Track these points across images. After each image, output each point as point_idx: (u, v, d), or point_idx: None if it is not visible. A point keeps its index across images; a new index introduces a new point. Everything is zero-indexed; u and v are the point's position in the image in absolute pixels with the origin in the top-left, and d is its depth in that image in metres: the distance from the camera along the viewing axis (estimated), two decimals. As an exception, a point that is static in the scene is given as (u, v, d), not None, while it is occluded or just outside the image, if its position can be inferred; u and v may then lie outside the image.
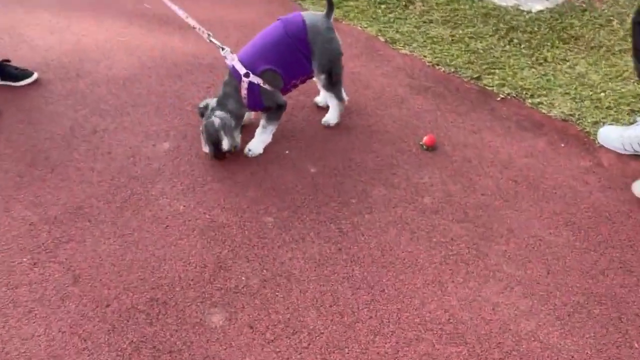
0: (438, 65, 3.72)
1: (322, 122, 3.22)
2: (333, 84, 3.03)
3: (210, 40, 2.84)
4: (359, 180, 2.86)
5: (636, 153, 2.94)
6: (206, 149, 2.90)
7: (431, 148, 3.02)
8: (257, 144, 3.01)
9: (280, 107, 2.92)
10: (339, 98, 3.11)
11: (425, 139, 3.03)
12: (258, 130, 2.99)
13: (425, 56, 3.81)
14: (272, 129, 2.99)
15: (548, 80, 3.50)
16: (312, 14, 2.92)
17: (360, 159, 2.99)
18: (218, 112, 2.84)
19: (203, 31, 2.86)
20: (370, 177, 2.88)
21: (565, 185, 2.80)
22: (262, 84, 2.82)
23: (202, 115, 2.92)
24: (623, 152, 2.96)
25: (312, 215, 2.67)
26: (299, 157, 3.02)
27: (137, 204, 2.75)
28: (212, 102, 2.90)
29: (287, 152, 3.06)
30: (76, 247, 2.53)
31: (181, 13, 2.89)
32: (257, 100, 2.86)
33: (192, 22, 2.88)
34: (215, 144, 2.84)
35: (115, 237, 2.57)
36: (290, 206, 2.72)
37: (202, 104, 2.93)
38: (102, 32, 4.16)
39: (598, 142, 3.05)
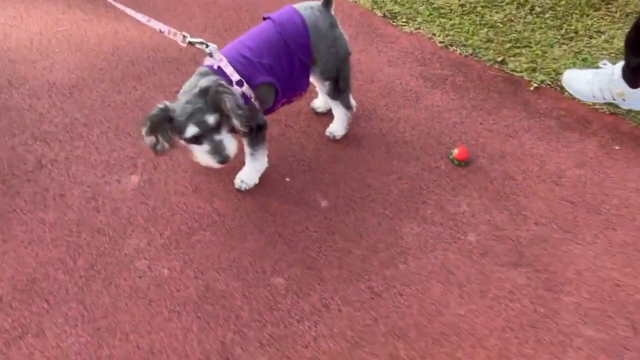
0: (452, 46, 3.12)
1: (327, 134, 2.62)
2: (340, 91, 2.42)
3: (189, 43, 2.15)
4: (383, 215, 2.31)
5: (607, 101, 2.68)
6: (214, 159, 2.04)
7: (464, 163, 2.48)
8: (249, 174, 2.41)
9: (261, 128, 2.28)
10: (347, 106, 2.50)
11: (456, 152, 2.48)
12: (248, 160, 2.37)
13: (434, 35, 3.19)
14: (262, 152, 2.37)
15: (584, 60, 2.96)
16: (309, 8, 2.25)
17: (379, 183, 2.43)
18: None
19: (175, 33, 2.17)
20: (396, 209, 2.33)
21: (632, 204, 2.32)
22: (253, 99, 2.17)
23: (160, 122, 1.99)
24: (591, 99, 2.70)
25: (332, 270, 2.13)
26: (304, 185, 2.43)
27: (108, 271, 2.14)
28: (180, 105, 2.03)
29: (287, 179, 2.46)
30: (33, 343, 1.93)
31: (140, 17, 2.18)
32: None
33: (157, 25, 2.18)
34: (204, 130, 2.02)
35: (84, 324, 1.99)
36: (303, 259, 2.17)
37: (161, 105, 2.00)
38: (34, 21, 3.36)
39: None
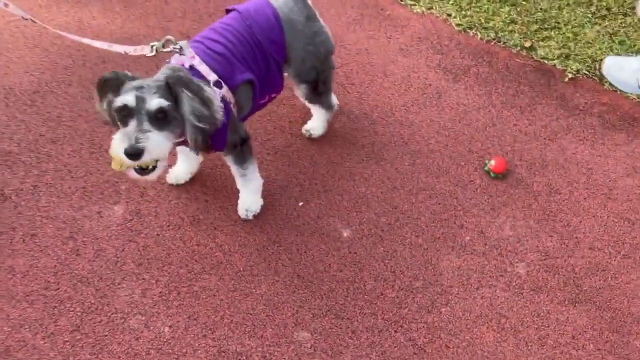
0: (471, 29, 2.74)
1: (303, 132, 2.27)
2: (319, 94, 2.06)
3: (162, 49, 1.74)
4: (415, 245, 1.99)
5: None
6: (122, 146, 1.52)
7: (501, 175, 2.16)
8: (251, 199, 2.05)
9: (245, 141, 1.90)
10: (328, 107, 2.17)
11: (492, 163, 2.16)
12: (241, 183, 1.99)
13: (450, 15, 2.81)
14: (253, 168, 1.99)
15: (621, 43, 2.63)
16: None
17: (407, 204, 2.10)
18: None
19: (142, 48, 1.76)
20: (430, 237, 2.01)
21: (695, 219, 2.05)
22: (232, 106, 1.79)
23: (108, 85, 1.59)
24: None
25: (365, 320, 1.82)
26: (320, 211, 2.09)
27: (97, 333, 1.79)
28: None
29: (300, 204, 2.11)
30: None
31: (100, 44, 1.78)
32: (223, 134, 1.79)
33: (120, 48, 1.77)
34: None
35: (74, 406, 1.65)
36: (329, 306, 1.85)
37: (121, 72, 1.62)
38: (-18, 11, 2.84)
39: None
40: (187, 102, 1.55)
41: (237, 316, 1.82)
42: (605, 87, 2.48)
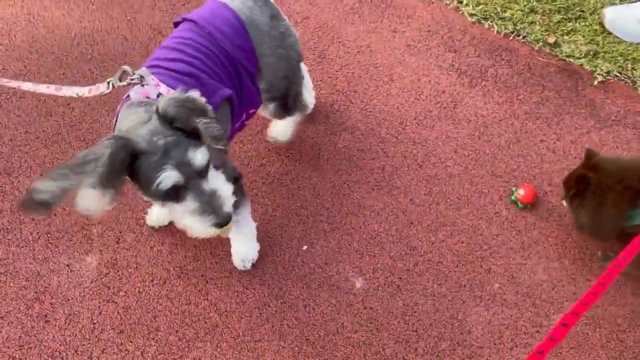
0: (486, 20, 2.41)
1: (269, 139, 2.00)
2: (289, 109, 1.80)
3: (120, 83, 1.38)
4: (439, 295, 1.75)
5: None
6: (208, 222, 1.25)
7: (530, 205, 1.91)
8: (246, 246, 1.76)
9: (237, 180, 1.56)
10: (299, 111, 1.93)
11: (521, 193, 1.90)
12: (234, 230, 1.67)
13: (461, 3, 2.46)
14: (247, 210, 1.69)
15: (654, 37, 2.33)
16: None
17: (426, 244, 1.84)
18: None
19: (98, 87, 1.41)
20: (454, 285, 1.77)
21: None
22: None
23: (119, 162, 1.17)
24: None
25: (388, 393, 1.59)
26: (327, 256, 1.81)
27: None
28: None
29: (304, 247, 1.83)
30: None
31: (45, 88, 1.43)
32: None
33: (70, 91, 1.42)
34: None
35: None
36: (346, 378, 1.61)
37: (117, 133, 1.26)
38: None
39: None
40: (205, 130, 1.21)
41: (239, 395, 1.58)
42: (639, 91, 2.20)
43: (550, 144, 2.07)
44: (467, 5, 2.44)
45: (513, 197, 1.92)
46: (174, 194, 1.20)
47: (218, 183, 1.26)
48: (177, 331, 1.67)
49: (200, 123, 1.20)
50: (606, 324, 1.71)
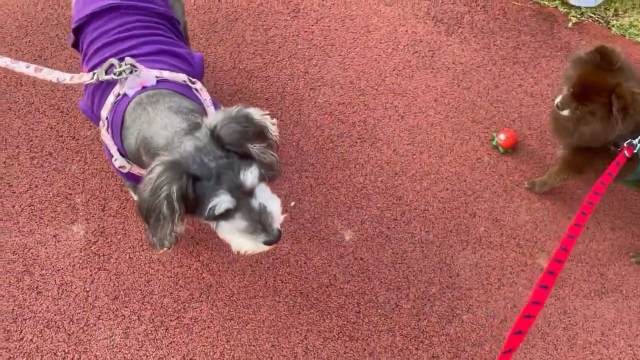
0: (460, -35, 2.38)
1: None
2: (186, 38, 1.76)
3: (105, 75, 1.30)
4: (426, 242, 1.79)
5: None
6: (259, 240, 1.21)
7: (511, 150, 1.94)
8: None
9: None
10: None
11: (502, 138, 1.93)
12: None
13: (434, -51, 2.42)
14: None
15: (626, -24, 2.34)
16: None
17: (411, 194, 1.87)
18: None
19: (81, 75, 1.35)
20: (441, 231, 1.81)
21: None
22: None
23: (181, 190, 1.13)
24: None
25: (382, 338, 1.64)
26: (316, 211, 1.83)
27: (78, 390, 1.54)
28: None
29: (292, 203, 1.85)
30: None
31: (24, 66, 1.36)
32: None
33: (51, 74, 1.36)
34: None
35: None
36: (340, 327, 1.66)
37: (168, 157, 1.15)
38: None
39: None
40: (259, 157, 1.18)
41: (238, 350, 1.61)
42: (613, 31, 2.22)
43: (528, 87, 2.09)
44: (440, -49, 2.40)
45: (494, 143, 1.95)
46: (225, 214, 1.16)
47: (265, 197, 1.19)
48: (171, 293, 1.68)
49: (254, 150, 1.15)
50: (587, 259, 1.78)
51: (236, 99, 2.01)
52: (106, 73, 1.28)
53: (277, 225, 1.20)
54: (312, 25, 2.20)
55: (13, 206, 1.80)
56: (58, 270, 1.71)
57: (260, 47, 2.12)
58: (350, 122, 1.99)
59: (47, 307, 1.65)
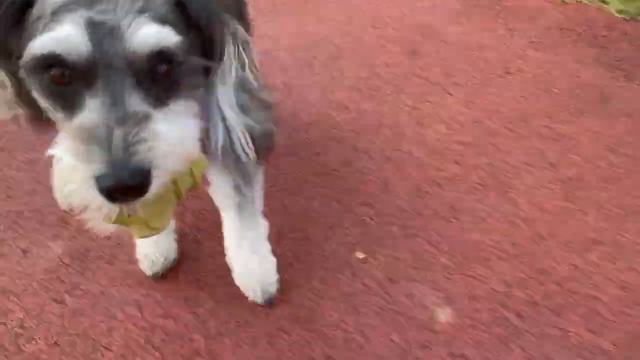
0: (644, 16, 1.77)
1: None
2: None
3: None
4: None
5: None
6: (91, 170, 0.56)
7: None
8: (265, 262, 1.08)
9: (270, 137, 0.91)
10: None
11: None
12: (249, 238, 1.04)
13: (605, 2, 1.87)
14: (260, 202, 1.04)
15: None
16: None
17: (565, 266, 1.07)
18: None
19: None
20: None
21: None
22: None
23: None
24: None
25: None
26: (395, 272, 1.11)
27: None
28: None
29: (360, 256, 1.15)
30: None
31: None
32: None
33: None
34: None
35: None
36: None
37: None
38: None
39: None
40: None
41: None
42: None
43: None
44: (611, 3, 1.85)
45: None
46: (63, 95, 0.60)
47: (165, 125, 0.60)
48: (134, 354, 1.02)
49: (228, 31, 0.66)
50: None
51: (318, 128, 1.50)
52: None
53: (142, 158, 0.56)
54: (432, 65, 1.69)
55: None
56: (3, 292, 1.16)
57: (360, 82, 1.65)
58: (470, 165, 1.33)
59: (-40, 339, 1.08)
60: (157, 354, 1.02)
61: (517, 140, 1.39)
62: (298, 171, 1.36)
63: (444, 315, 1.03)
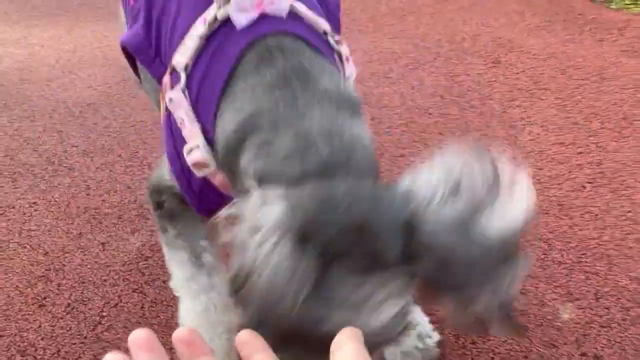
0: None
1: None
2: None
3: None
4: None
5: None
6: None
7: None
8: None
9: None
10: None
11: None
12: None
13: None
14: None
15: None
16: None
17: None
18: None
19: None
20: None
21: None
22: None
23: None
24: None
25: None
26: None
27: None
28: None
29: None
30: None
31: None
32: None
33: None
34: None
35: None
36: None
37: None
38: (72, 39, 2.42)
39: None
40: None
41: None
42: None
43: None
44: None
45: None
46: None
47: None
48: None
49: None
50: None
51: (399, 130, 1.44)
52: None
53: None
54: (517, 73, 1.63)
55: (78, 207, 1.34)
56: (83, 282, 1.12)
57: (442, 89, 1.59)
58: (574, 164, 1.23)
59: (40, 325, 1.03)
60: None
61: (622, 141, 1.29)
62: (383, 171, 1.29)
63: (566, 314, 0.91)
